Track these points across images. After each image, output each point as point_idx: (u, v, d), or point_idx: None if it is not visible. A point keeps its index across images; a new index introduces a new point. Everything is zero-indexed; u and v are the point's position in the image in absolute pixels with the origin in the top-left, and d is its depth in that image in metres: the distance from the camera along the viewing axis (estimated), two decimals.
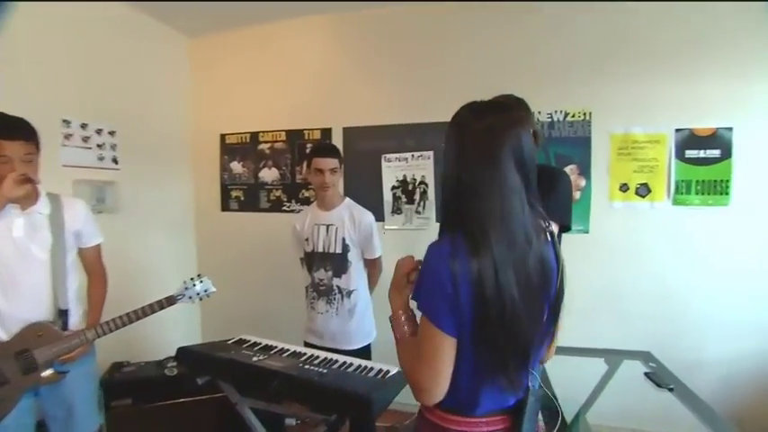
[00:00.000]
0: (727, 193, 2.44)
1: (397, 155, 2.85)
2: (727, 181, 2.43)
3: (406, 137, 2.84)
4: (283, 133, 3.12)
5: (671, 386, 1.70)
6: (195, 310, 3.35)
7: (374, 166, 2.90)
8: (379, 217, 2.82)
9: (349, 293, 2.11)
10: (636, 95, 2.50)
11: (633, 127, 2.51)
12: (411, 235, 2.86)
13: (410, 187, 2.85)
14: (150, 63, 2.99)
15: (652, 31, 2.48)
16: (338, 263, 2.10)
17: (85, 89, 2.52)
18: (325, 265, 2.11)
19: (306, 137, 3.06)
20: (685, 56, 2.43)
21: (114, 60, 2.69)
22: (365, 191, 2.84)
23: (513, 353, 0.88)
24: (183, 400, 2.33)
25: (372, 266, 2.23)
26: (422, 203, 2.83)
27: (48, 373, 1.56)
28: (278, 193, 3.16)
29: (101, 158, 2.58)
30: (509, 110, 0.91)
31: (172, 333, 3.00)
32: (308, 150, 2.93)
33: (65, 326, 1.66)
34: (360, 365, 1.70)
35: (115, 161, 2.67)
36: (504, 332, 0.85)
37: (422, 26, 2.83)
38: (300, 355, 1.82)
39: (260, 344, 1.94)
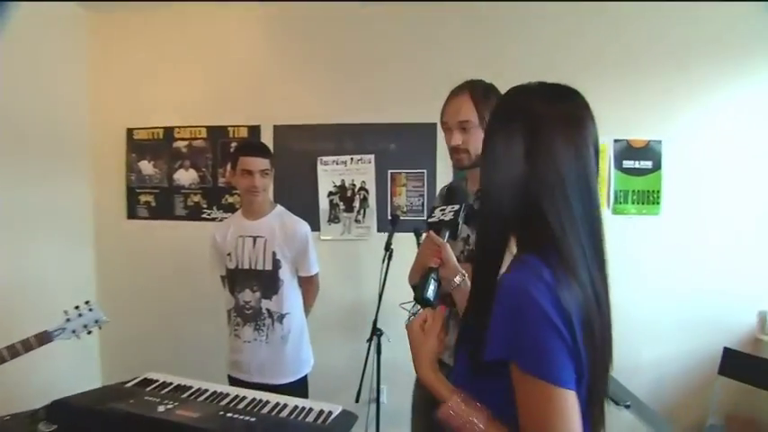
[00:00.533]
0: (657, 203, 2.51)
1: (335, 158, 2.60)
2: (658, 191, 2.51)
3: (345, 138, 2.60)
4: (203, 129, 2.72)
5: (627, 403, 1.64)
6: (93, 341, 2.80)
7: (309, 170, 2.62)
8: (315, 226, 2.55)
9: (281, 317, 1.81)
10: None
11: None
12: (350, 246, 2.62)
13: (349, 193, 2.61)
14: (35, 38, 2.43)
15: (594, 43, 2.50)
16: (268, 281, 1.79)
17: None
18: (251, 284, 1.80)
19: (230, 134, 2.69)
20: (624, 68, 2.47)
21: None
22: (298, 197, 2.55)
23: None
24: None
25: (308, 285, 1.95)
26: (362, 211, 2.60)
27: None
28: (196, 199, 2.75)
29: None
30: (578, 93, 0.73)
31: (60, 371, 2.42)
32: (232, 149, 2.56)
33: None
34: (296, 407, 1.42)
35: None
36: (609, 364, 0.70)
37: (365, 22, 2.61)
38: (221, 397, 1.50)
39: (170, 385, 1.57)
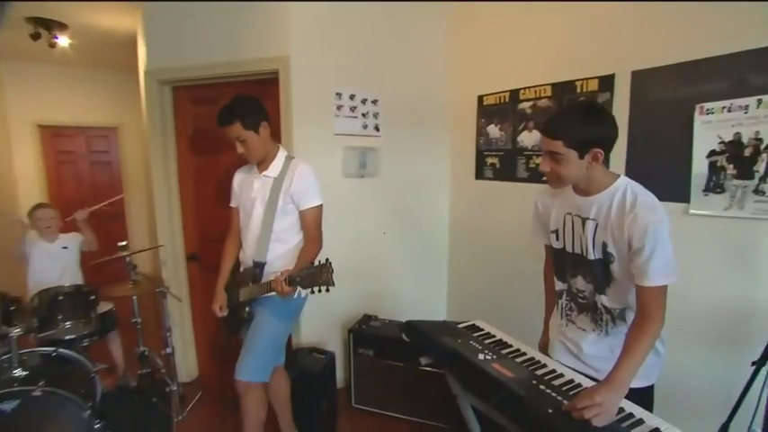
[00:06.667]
0: None
1: (728, 102, 1.86)
2: None
3: (744, 71, 1.81)
4: (548, 87, 2.56)
5: None
6: (442, 276, 3.35)
7: (678, 126, 2.00)
8: (681, 196, 1.97)
9: (622, 314, 1.43)
10: None
11: None
12: (738, 228, 1.85)
13: (748, 152, 1.82)
14: (407, 30, 2.98)
15: None
16: (598, 273, 1.43)
17: (354, 62, 2.74)
18: (583, 272, 1.48)
19: (578, 89, 2.41)
20: None
21: (377, 32, 2.83)
22: (658, 161, 2.04)
23: None
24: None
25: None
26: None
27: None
28: (538, 161, 2.67)
29: (365, 126, 2.78)
30: None
31: (418, 295, 3.18)
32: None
33: (256, 278, 1.87)
34: (626, 415, 1.15)
35: (377, 128, 2.83)
36: None
37: None
38: (538, 366, 1.42)
39: (493, 337, 1.64)
